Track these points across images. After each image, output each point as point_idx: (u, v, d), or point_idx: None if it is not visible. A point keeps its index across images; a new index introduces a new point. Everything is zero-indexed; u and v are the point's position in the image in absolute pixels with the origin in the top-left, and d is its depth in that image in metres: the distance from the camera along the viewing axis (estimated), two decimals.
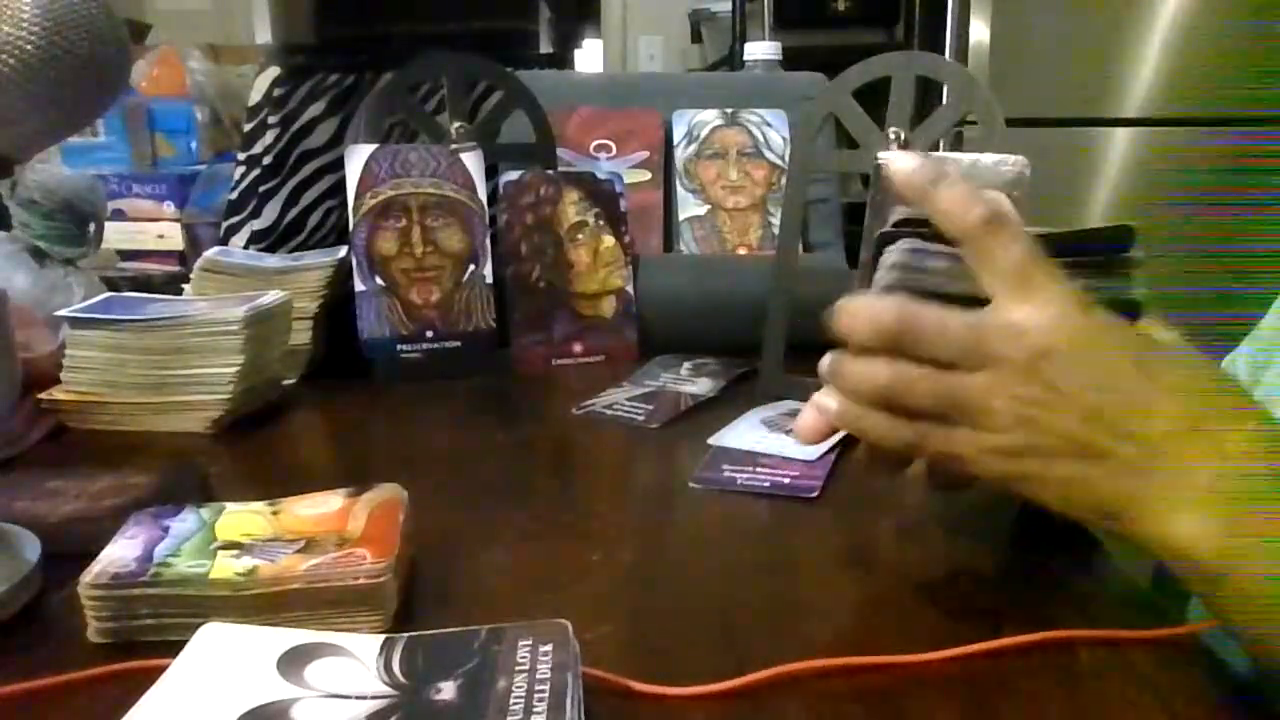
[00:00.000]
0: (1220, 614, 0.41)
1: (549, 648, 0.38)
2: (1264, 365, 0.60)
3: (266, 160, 0.91)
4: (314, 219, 0.96)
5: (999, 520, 0.58)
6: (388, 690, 0.37)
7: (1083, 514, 0.43)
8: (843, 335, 0.44)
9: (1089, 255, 0.47)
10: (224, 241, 0.92)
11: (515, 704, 0.35)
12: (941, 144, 0.94)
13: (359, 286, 0.86)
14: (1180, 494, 0.40)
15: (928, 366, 0.42)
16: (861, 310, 0.44)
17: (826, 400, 0.46)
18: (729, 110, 1.08)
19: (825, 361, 0.46)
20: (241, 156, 0.92)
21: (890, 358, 0.43)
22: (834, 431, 0.49)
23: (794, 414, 0.55)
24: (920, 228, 0.45)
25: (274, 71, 0.90)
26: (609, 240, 0.93)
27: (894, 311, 0.43)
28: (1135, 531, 0.41)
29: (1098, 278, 0.46)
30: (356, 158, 0.86)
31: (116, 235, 1.17)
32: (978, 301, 0.43)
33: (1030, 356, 0.41)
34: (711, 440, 0.69)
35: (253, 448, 0.71)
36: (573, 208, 0.92)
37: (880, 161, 0.46)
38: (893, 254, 0.46)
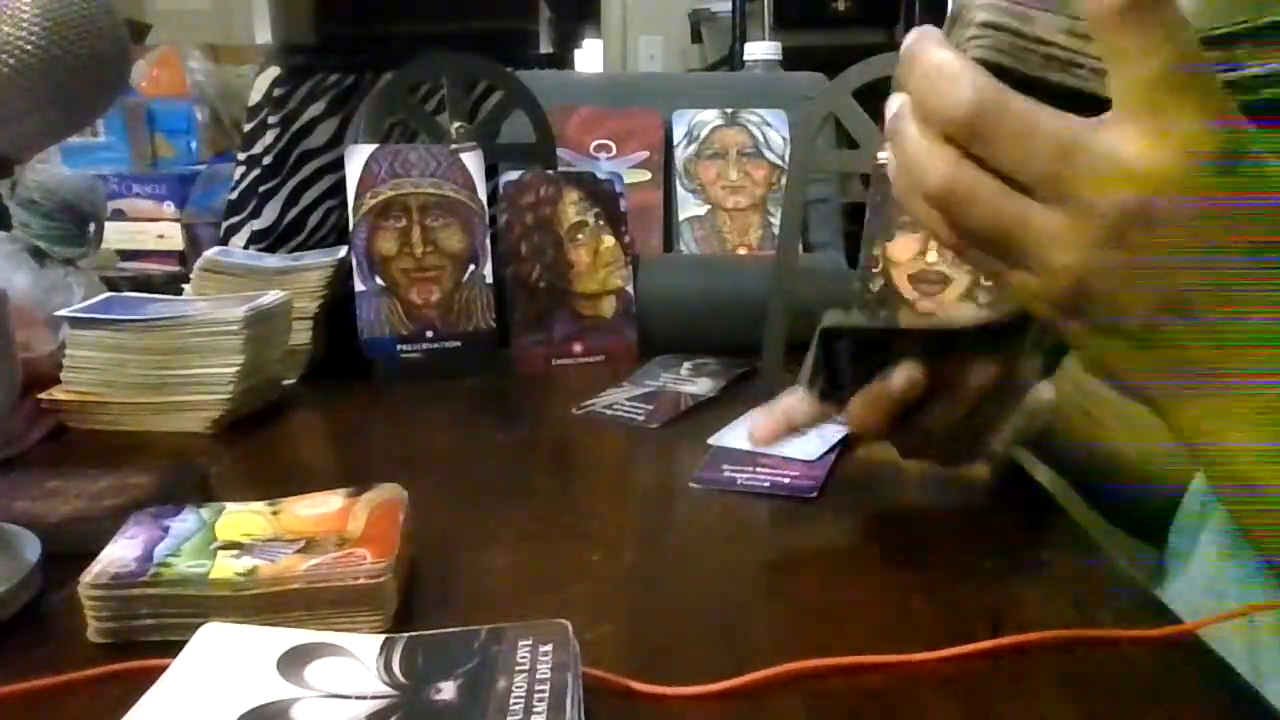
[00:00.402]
0: (1239, 519, 0.39)
1: (549, 648, 0.38)
2: None
3: (266, 160, 0.91)
4: (314, 219, 0.96)
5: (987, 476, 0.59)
6: (388, 690, 0.37)
7: (1118, 386, 0.38)
8: (908, 91, 0.36)
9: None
10: (224, 241, 0.92)
11: (515, 704, 0.35)
12: None
13: (359, 286, 0.86)
14: (1234, 406, 0.35)
15: (994, 179, 0.34)
16: (935, 76, 0.34)
17: (888, 157, 0.38)
18: (729, 110, 1.08)
19: (892, 106, 0.38)
20: (241, 156, 0.92)
21: (955, 154, 0.35)
22: (785, 433, 0.49)
23: None
24: (1001, 31, 0.35)
25: (274, 71, 0.90)
26: (609, 240, 0.93)
27: (971, 95, 0.33)
28: (1170, 422, 0.37)
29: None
30: (356, 158, 0.86)
31: (116, 235, 1.17)
32: (1089, 103, 0.33)
33: (1123, 213, 0.32)
34: (711, 440, 0.69)
35: (253, 448, 0.71)
36: (573, 208, 0.92)
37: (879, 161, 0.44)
38: (983, 10, 0.35)
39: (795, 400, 0.53)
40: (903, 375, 0.49)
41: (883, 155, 0.41)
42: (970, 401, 0.51)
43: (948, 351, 0.49)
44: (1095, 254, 0.33)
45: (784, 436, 0.52)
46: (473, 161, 0.89)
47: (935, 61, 0.34)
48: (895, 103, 0.37)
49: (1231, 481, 0.37)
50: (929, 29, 0.36)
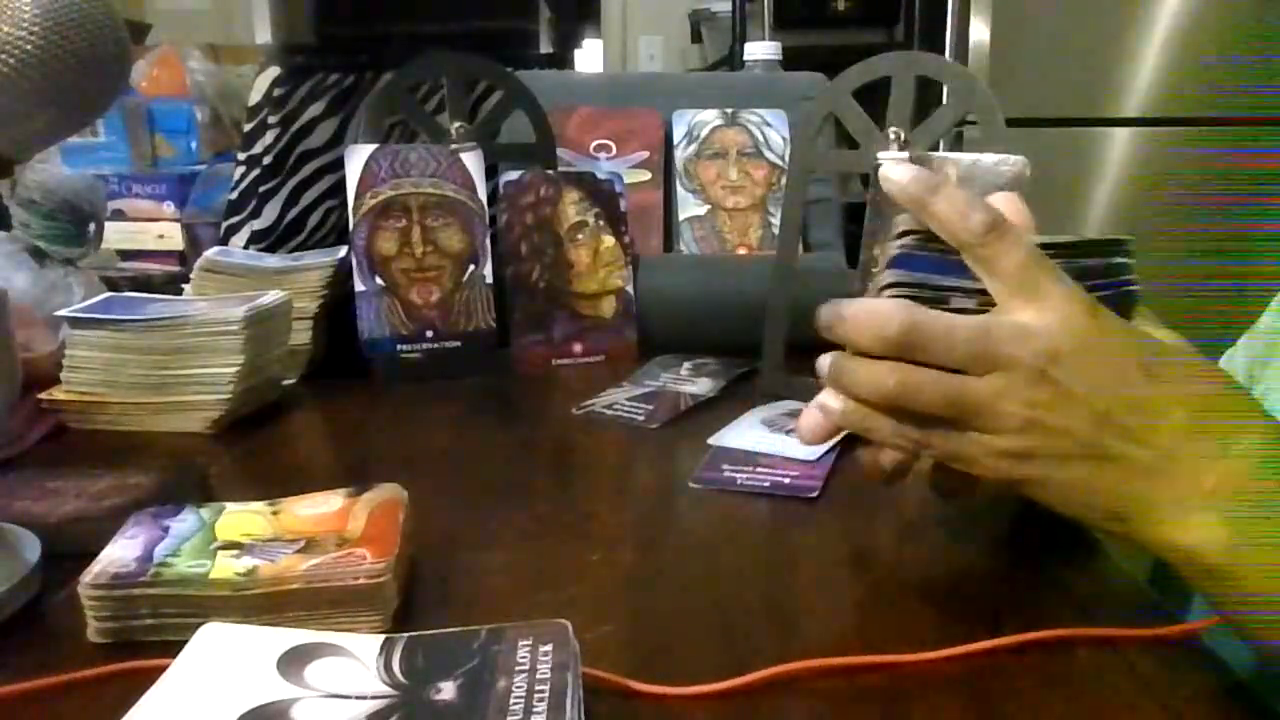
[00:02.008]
0: (1228, 615, 0.41)
1: (549, 648, 0.38)
2: (1264, 363, 0.60)
3: (266, 160, 0.91)
4: (314, 219, 0.96)
5: (998, 520, 0.58)
6: (388, 690, 0.37)
7: (1088, 517, 0.43)
8: (844, 342, 0.44)
9: (1084, 263, 0.47)
10: (224, 241, 0.92)
11: (515, 704, 0.35)
12: (941, 144, 0.94)
13: (359, 286, 0.86)
14: (1187, 497, 0.40)
15: (935, 370, 0.42)
16: (863, 317, 0.43)
17: (830, 401, 0.45)
18: (729, 110, 1.08)
19: (825, 362, 0.45)
20: (241, 156, 0.92)
21: (896, 363, 0.42)
22: (837, 432, 0.48)
23: (794, 414, 0.55)
24: (925, 237, 0.45)
25: (274, 71, 0.90)
26: (609, 240, 0.93)
27: (899, 319, 0.42)
28: (1141, 534, 0.41)
29: (1093, 283, 0.46)
30: (356, 158, 0.86)
31: (116, 235, 1.17)
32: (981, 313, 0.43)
33: (1039, 358, 0.41)
34: (711, 440, 0.69)
35: (253, 448, 0.71)
36: (573, 208, 0.92)
37: (879, 169, 0.45)
38: (889, 274, 0.45)
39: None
40: (887, 457, 0.50)
41: (882, 159, 0.44)
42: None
43: None
44: (1029, 394, 0.41)
45: (833, 434, 0.51)
46: (473, 161, 0.89)
47: (862, 306, 0.43)
48: (827, 359, 0.45)
49: (1209, 578, 0.41)
50: (836, 302, 0.44)
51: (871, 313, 0.43)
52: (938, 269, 0.45)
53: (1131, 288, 0.48)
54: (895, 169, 0.44)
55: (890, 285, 0.45)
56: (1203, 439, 0.40)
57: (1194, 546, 0.40)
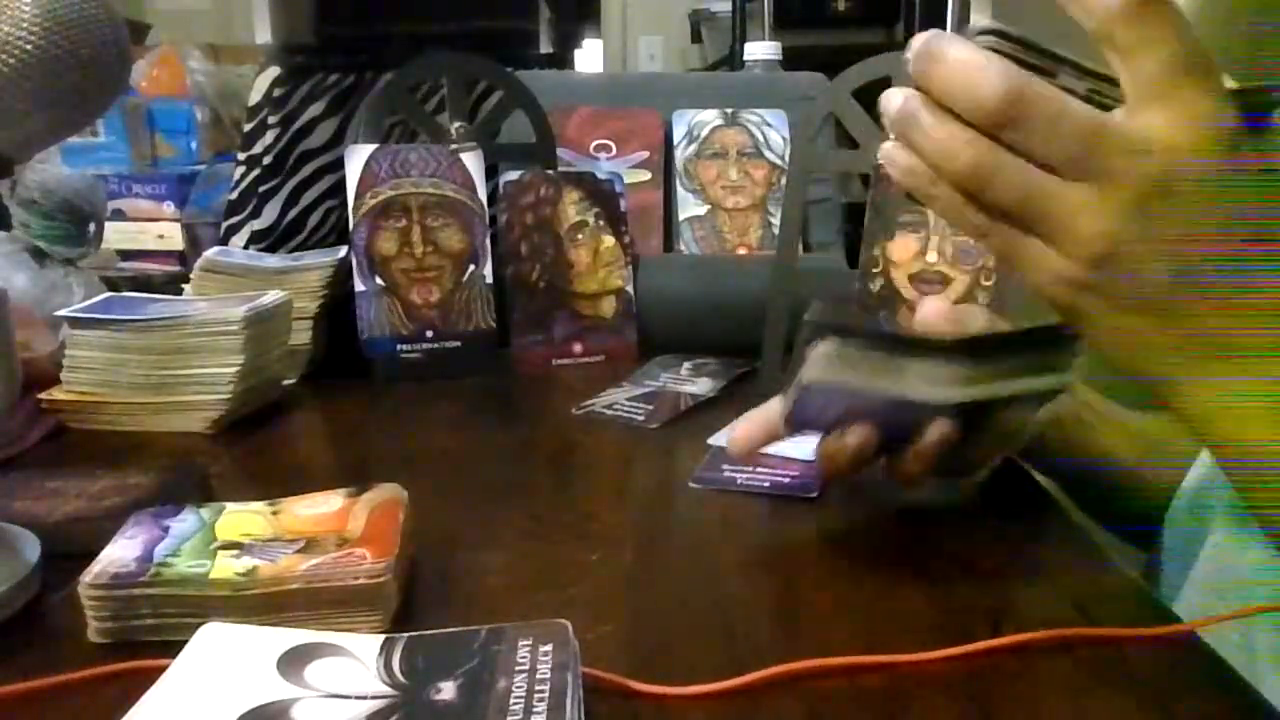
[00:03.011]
0: (1248, 497, 0.40)
1: (549, 648, 0.38)
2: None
3: (266, 160, 0.91)
4: (314, 219, 0.96)
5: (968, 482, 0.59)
6: (388, 690, 0.37)
7: (1126, 367, 0.39)
8: (931, 88, 0.37)
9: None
10: (224, 241, 0.92)
11: (515, 704, 0.35)
12: None
13: (359, 286, 0.86)
14: (1244, 378, 0.36)
15: (1019, 158, 0.36)
16: (963, 69, 0.35)
17: (894, 154, 0.39)
18: (729, 110, 1.08)
19: (895, 100, 0.39)
20: (241, 156, 0.92)
21: (981, 135, 0.36)
22: (767, 440, 0.49)
23: None
24: (1006, 39, 0.38)
25: (274, 71, 0.90)
26: (609, 240, 0.93)
27: (1005, 84, 0.35)
28: (1176, 399, 0.38)
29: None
30: (356, 158, 0.86)
31: (116, 235, 1.17)
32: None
33: (1148, 183, 0.34)
34: (711, 440, 0.69)
35: (253, 448, 0.71)
36: (573, 208, 0.92)
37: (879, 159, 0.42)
38: (987, 21, 0.38)
39: (776, 409, 0.54)
40: (855, 436, 0.51)
41: (885, 147, 0.40)
42: (931, 460, 0.52)
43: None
44: (1121, 222, 0.35)
45: (764, 444, 0.53)
46: (473, 161, 0.89)
47: (961, 55, 0.36)
48: (898, 97, 0.38)
49: (1242, 461, 0.38)
50: (938, 31, 0.37)
51: (974, 65, 0.35)
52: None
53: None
54: None
55: (988, 32, 0.37)
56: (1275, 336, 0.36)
57: (1234, 432, 0.37)
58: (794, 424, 0.52)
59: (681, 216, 1.05)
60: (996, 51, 0.37)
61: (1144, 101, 0.35)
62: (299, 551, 0.46)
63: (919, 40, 0.37)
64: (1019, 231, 0.37)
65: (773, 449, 0.67)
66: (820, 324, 0.46)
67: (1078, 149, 0.35)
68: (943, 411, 0.49)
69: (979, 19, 0.52)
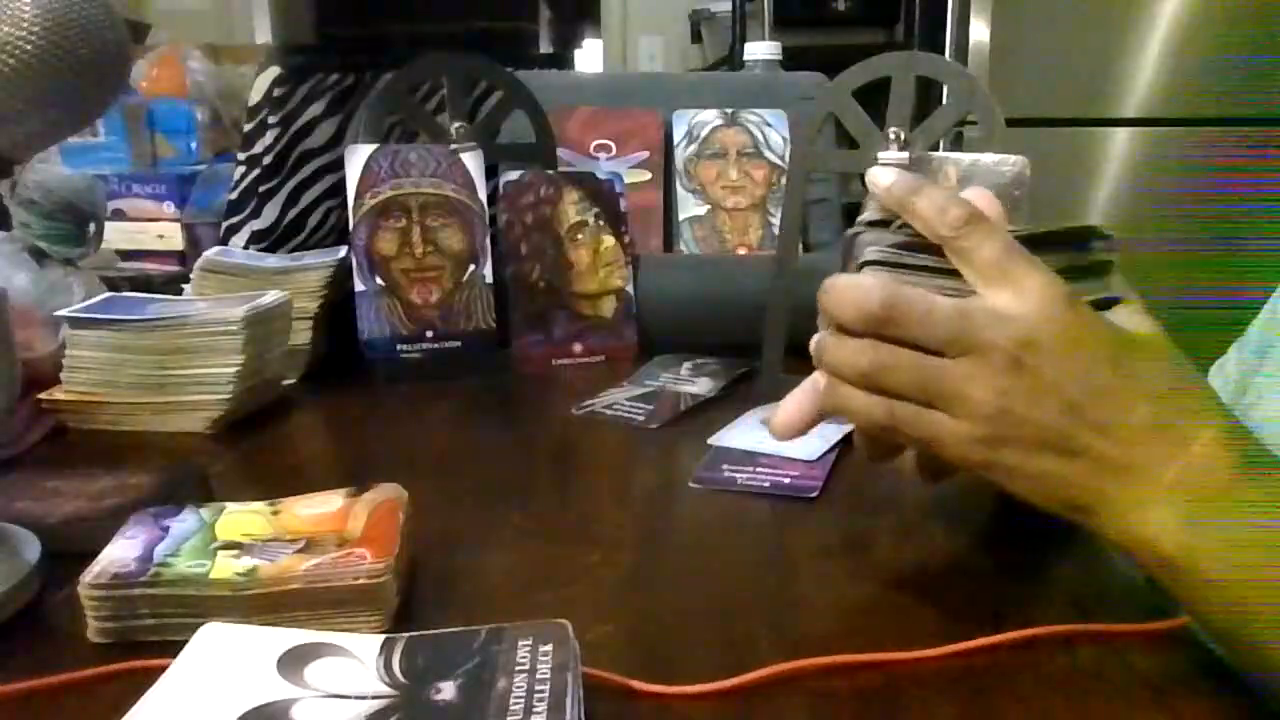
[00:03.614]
0: (1188, 607, 0.42)
1: (549, 648, 0.38)
2: (1253, 369, 0.60)
3: (266, 160, 0.91)
4: (314, 219, 0.96)
5: (983, 508, 0.58)
6: (388, 690, 0.37)
7: (1053, 507, 0.43)
8: (827, 315, 0.45)
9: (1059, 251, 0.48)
10: (224, 241, 0.92)
11: (515, 704, 0.35)
12: (941, 144, 0.94)
13: (359, 286, 0.86)
14: (1148, 492, 0.41)
15: (910, 350, 0.43)
16: (847, 291, 0.44)
17: (815, 378, 0.47)
18: (729, 110, 1.08)
19: (814, 341, 0.46)
20: (241, 156, 0.92)
21: (873, 340, 0.43)
22: (808, 426, 0.49)
23: None
24: (892, 227, 0.46)
25: (274, 71, 0.90)
26: (609, 240, 0.93)
27: (880, 294, 0.43)
28: (1103, 528, 0.42)
29: (1073, 277, 0.46)
30: (356, 158, 0.86)
31: (116, 235, 1.17)
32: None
33: (1014, 345, 0.41)
34: (711, 440, 0.69)
35: (253, 448, 0.71)
36: (573, 208, 0.92)
37: (867, 174, 0.47)
38: (870, 251, 0.46)
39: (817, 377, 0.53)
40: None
41: (875, 162, 0.45)
42: None
43: None
44: (1004, 379, 0.41)
45: (812, 424, 0.51)
46: (473, 161, 0.89)
47: (845, 281, 0.44)
48: (813, 340, 0.46)
49: (1175, 578, 0.41)
50: (834, 277, 0.45)
51: (854, 286, 0.43)
52: (912, 259, 0.45)
53: (1106, 281, 0.48)
54: (881, 173, 0.46)
55: (871, 263, 0.46)
56: (1166, 433, 0.41)
57: (1149, 540, 0.40)
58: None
59: (681, 216, 1.05)
60: (886, 263, 0.45)
61: (990, 285, 0.43)
62: (299, 551, 0.46)
63: (824, 287, 0.45)
64: (925, 411, 0.43)
65: (773, 449, 0.67)
66: (868, 226, 0.48)
67: (950, 331, 0.42)
68: None
69: (870, 208, 0.55)
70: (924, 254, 0.45)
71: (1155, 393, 0.42)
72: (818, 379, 0.47)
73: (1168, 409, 0.41)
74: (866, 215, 0.48)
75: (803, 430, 0.49)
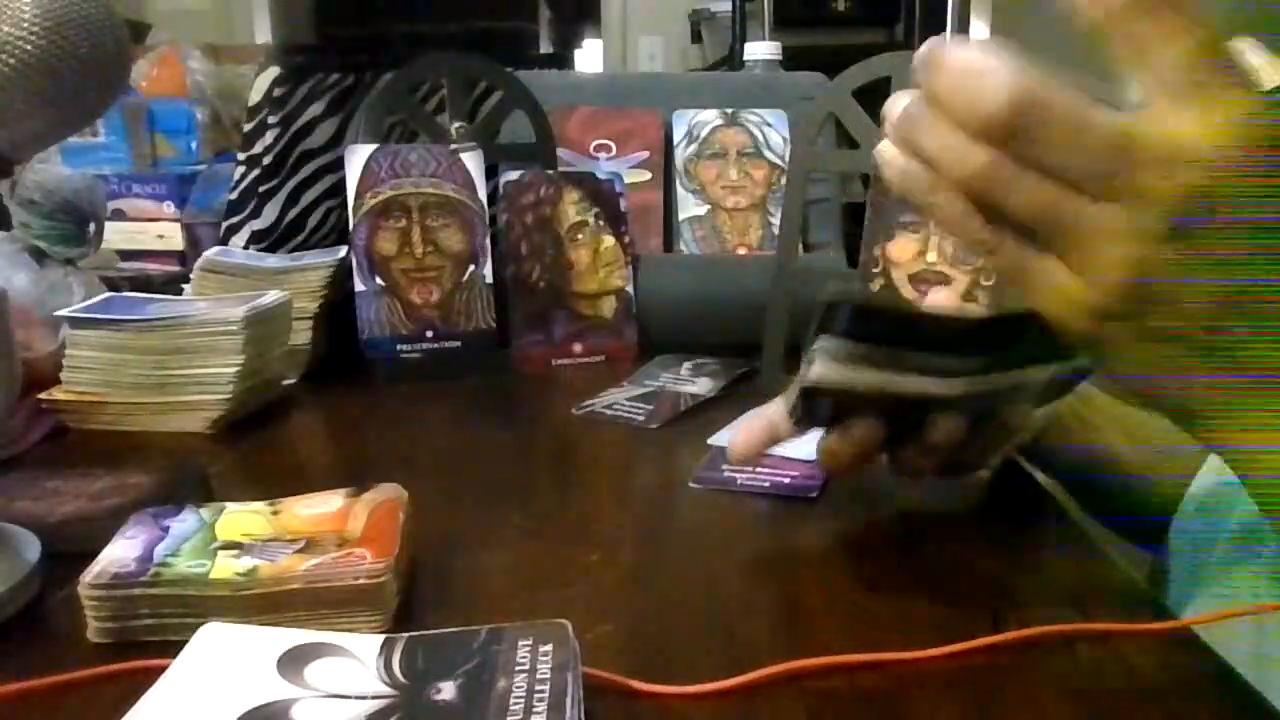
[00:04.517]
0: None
1: (549, 648, 0.38)
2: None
3: (266, 160, 0.91)
4: (314, 219, 0.96)
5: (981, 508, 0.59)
6: (388, 690, 0.37)
7: (1158, 404, 0.36)
8: (933, 98, 0.33)
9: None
10: (224, 241, 0.92)
11: (515, 704, 0.35)
12: None
13: (359, 286, 0.86)
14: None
15: (1040, 175, 0.32)
16: (962, 75, 0.32)
17: (890, 155, 0.35)
18: (729, 110, 1.08)
19: (896, 104, 0.35)
20: (241, 156, 0.92)
21: (991, 149, 0.32)
22: (768, 444, 0.49)
23: None
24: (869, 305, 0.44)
25: (274, 71, 0.90)
26: (609, 240, 0.93)
27: (1011, 92, 0.31)
28: (1211, 438, 0.35)
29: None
30: (356, 158, 0.86)
31: (116, 235, 1.17)
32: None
33: (1186, 197, 0.30)
34: (711, 440, 0.69)
35: (253, 448, 0.71)
36: (573, 208, 0.92)
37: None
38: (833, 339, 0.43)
39: (778, 411, 0.53)
40: (859, 431, 0.50)
41: (881, 147, 0.37)
42: (936, 455, 0.52)
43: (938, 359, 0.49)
44: (1157, 246, 0.31)
45: (766, 448, 0.53)
46: (473, 161, 0.89)
47: (965, 58, 0.32)
48: (896, 103, 0.35)
49: (1273, 490, 0.35)
50: (943, 39, 0.34)
51: (979, 72, 0.31)
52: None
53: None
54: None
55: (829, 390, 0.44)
56: None
57: (1267, 458, 0.33)
58: (797, 422, 0.52)
59: (681, 216, 1.05)
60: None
61: (1170, 104, 0.30)
62: (299, 551, 0.46)
63: (922, 49, 0.33)
64: (1033, 251, 0.33)
65: (772, 449, 0.67)
66: (833, 303, 0.44)
67: (1102, 165, 0.31)
68: (952, 404, 0.49)
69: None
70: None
71: None
72: (884, 151, 0.36)
73: None
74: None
75: (758, 453, 0.49)
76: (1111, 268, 0.31)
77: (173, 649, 0.39)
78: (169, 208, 1.22)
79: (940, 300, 0.55)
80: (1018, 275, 0.34)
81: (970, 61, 0.32)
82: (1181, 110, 0.30)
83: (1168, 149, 0.30)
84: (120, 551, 0.46)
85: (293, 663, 0.38)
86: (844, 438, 0.51)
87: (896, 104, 0.35)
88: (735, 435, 0.53)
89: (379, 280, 0.86)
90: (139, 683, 0.37)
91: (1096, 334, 0.33)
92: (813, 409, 0.50)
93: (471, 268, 0.89)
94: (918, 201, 0.35)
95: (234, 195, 0.92)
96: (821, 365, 0.46)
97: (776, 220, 1.03)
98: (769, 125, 1.08)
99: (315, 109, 0.93)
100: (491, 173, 0.93)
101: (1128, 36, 0.31)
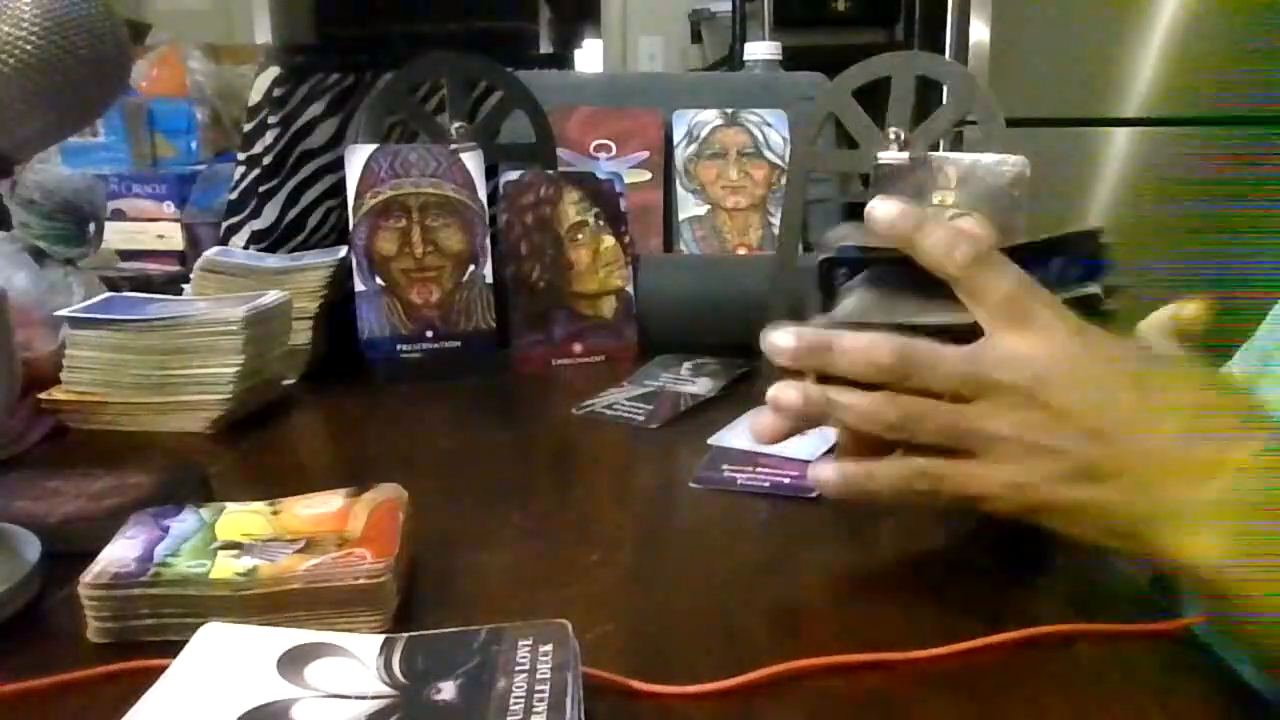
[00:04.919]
0: (1234, 628, 0.41)
1: (549, 648, 0.38)
2: (1259, 375, 0.60)
3: (266, 160, 0.91)
4: (314, 219, 0.96)
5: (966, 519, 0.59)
6: (388, 690, 0.37)
7: (1098, 537, 0.43)
8: (832, 371, 0.45)
9: (1063, 260, 0.49)
10: (224, 241, 0.92)
11: (515, 704, 0.35)
12: (941, 144, 0.94)
13: (359, 286, 0.86)
14: (1188, 509, 0.40)
15: (929, 399, 0.43)
16: (857, 349, 0.44)
17: (824, 472, 0.47)
18: (729, 110, 1.08)
19: (791, 395, 0.46)
20: (241, 156, 0.92)
21: (891, 393, 0.43)
22: (792, 430, 0.49)
23: None
24: (872, 252, 0.47)
25: (274, 71, 0.90)
26: (609, 240, 0.93)
27: (890, 346, 0.43)
28: (1148, 549, 0.42)
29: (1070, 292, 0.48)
30: (356, 158, 0.86)
31: (116, 235, 1.17)
32: (948, 331, 0.44)
33: (1030, 382, 0.42)
34: (711, 440, 0.69)
35: (253, 448, 0.71)
36: (573, 208, 0.92)
37: (866, 207, 0.47)
38: (855, 286, 0.48)
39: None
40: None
41: (871, 200, 0.48)
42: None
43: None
44: (1022, 416, 0.42)
45: (788, 433, 0.52)
46: (473, 161, 0.89)
47: (851, 339, 0.44)
48: (791, 394, 0.47)
49: (1209, 590, 0.40)
50: (808, 331, 0.46)
51: (868, 345, 0.44)
52: (901, 289, 0.47)
53: (1098, 285, 0.49)
54: (881, 206, 0.45)
55: (857, 300, 0.47)
56: (1200, 451, 0.40)
57: (1196, 559, 0.40)
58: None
59: (681, 216, 1.05)
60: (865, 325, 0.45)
61: (999, 325, 0.43)
62: (299, 551, 0.46)
63: (801, 340, 0.46)
64: (960, 462, 0.43)
65: (772, 449, 0.67)
66: (833, 260, 0.49)
67: (965, 373, 0.42)
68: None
69: (842, 231, 0.58)
70: (906, 282, 0.45)
71: (1182, 404, 0.41)
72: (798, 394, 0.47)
73: (1201, 425, 0.41)
74: (838, 238, 0.50)
75: (785, 437, 0.50)
76: (1002, 439, 0.42)
77: (173, 649, 0.39)
78: (169, 208, 1.22)
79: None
80: (959, 489, 0.44)
81: (858, 341, 0.44)
82: (1010, 331, 0.43)
83: (1006, 355, 0.42)
84: (120, 551, 0.46)
85: (293, 663, 0.38)
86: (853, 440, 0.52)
87: (786, 394, 0.47)
88: (757, 419, 0.52)
89: (379, 280, 0.86)
90: (139, 683, 0.37)
91: (1029, 500, 0.43)
92: (833, 277, 0.51)
93: (471, 268, 0.89)
94: (860, 492, 0.47)
95: (234, 195, 0.92)
96: (846, 307, 0.48)
97: (776, 220, 1.03)
98: (769, 125, 1.08)
99: (315, 109, 0.93)
100: (491, 173, 0.93)
101: (968, 284, 0.43)
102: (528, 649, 0.38)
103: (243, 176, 0.91)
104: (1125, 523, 0.42)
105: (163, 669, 0.38)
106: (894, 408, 0.44)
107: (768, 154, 1.06)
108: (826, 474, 0.47)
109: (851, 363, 0.44)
